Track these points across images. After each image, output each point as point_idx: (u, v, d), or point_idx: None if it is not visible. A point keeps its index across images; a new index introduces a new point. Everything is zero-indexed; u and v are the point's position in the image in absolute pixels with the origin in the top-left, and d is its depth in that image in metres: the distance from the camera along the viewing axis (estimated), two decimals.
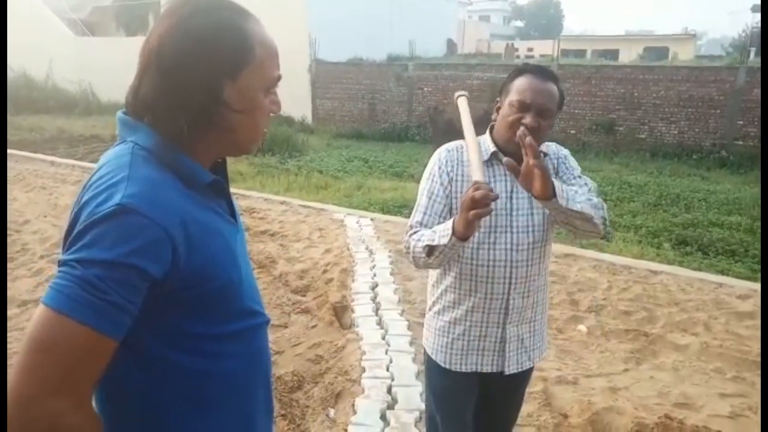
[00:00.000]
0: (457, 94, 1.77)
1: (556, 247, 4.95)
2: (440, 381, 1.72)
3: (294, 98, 16.02)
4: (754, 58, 17.38)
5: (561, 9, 56.58)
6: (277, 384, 2.65)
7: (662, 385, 2.80)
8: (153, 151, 0.87)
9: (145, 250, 0.78)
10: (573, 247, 5.17)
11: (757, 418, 2.53)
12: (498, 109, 1.63)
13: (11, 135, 11.77)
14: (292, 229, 5.22)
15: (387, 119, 14.98)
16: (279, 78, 0.96)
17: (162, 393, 0.90)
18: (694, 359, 3.06)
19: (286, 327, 3.33)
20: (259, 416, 1.04)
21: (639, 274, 4.30)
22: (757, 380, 2.86)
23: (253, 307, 1.00)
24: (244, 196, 6.53)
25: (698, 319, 3.53)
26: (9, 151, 8.68)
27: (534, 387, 2.73)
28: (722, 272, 5.22)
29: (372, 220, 5.62)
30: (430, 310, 1.74)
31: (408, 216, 5.44)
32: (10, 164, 7.89)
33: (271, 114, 0.97)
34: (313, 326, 3.35)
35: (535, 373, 2.82)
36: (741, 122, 11.07)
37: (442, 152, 1.64)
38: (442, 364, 1.67)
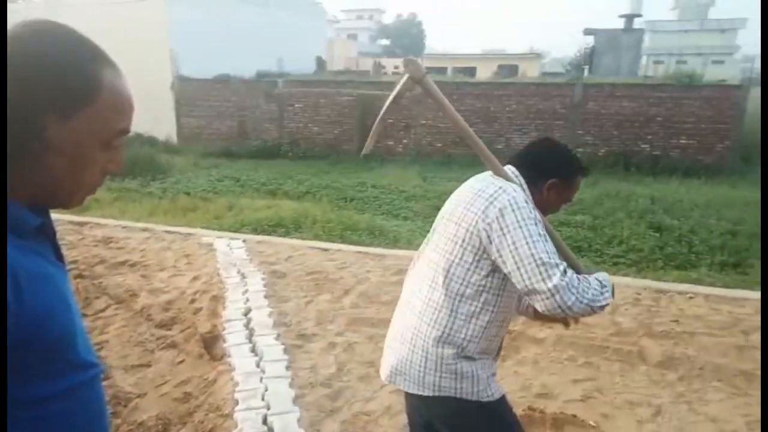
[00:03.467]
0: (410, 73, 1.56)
1: None
2: (508, 410, 1.65)
3: (157, 117, 15.13)
4: (588, 75, 19.64)
5: (423, 29, 59.70)
6: (139, 431, 2.44)
7: (524, 379, 3.01)
8: None
9: None
10: None
11: (603, 398, 2.81)
12: (557, 187, 1.60)
13: None
14: (156, 258, 4.89)
15: (258, 137, 14.69)
16: (123, 132, 0.85)
17: None
18: (551, 350, 3.34)
19: (149, 366, 3.09)
20: None
21: None
22: (604, 364, 3.18)
23: (86, 357, 0.90)
24: (99, 225, 5.99)
25: None
26: None
27: None
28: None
29: (244, 241, 5.44)
30: (462, 351, 1.52)
31: (282, 235, 5.33)
32: None
33: (107, 175, 0.87)
34: (181, 362, 3.14)
35: None
36: (580, 132, 12.42)
37: (520, 193, 1.52)
38: (498, 394, 1.58)
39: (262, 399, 2.68)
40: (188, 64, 15.39)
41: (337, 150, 14.03)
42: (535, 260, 1.39)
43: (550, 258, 1.40)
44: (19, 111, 0.75)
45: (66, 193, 0.84)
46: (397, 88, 1.58)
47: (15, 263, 0.75)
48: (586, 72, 23.44)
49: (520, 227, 1.41)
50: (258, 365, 3.01)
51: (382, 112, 1.57)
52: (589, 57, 26.35)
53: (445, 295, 1.51)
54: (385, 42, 57.79)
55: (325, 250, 5.27)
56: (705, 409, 2.71)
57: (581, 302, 1.40)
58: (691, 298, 4.12)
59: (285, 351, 3.19)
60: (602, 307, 1.45)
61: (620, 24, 28.12)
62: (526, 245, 1.39)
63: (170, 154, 13.60)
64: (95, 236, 5.54)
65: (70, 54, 0.79)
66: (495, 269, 1.49)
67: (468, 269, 1.49)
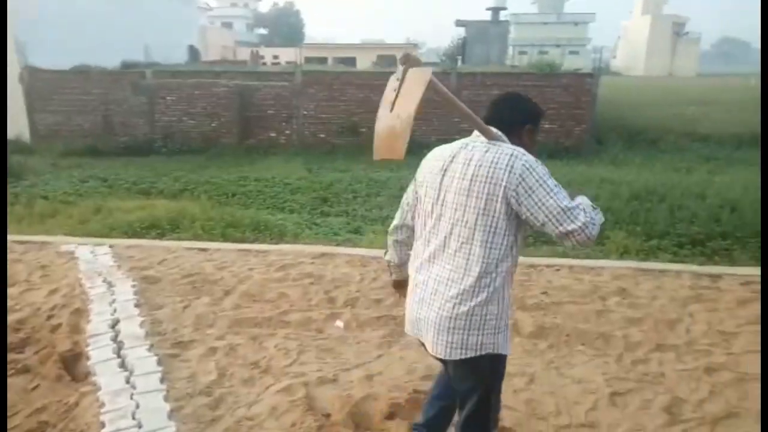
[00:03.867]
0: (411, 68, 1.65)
1: (312, 248, 5.08)
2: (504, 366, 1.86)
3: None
4: (461, 65, 20.52)
5: (301, 18, 58.81)
6: None
7: (410, 362, 3.05)
8: None
9: None
10: (329, 246, 5.36)
11: None
12: (531, 131, 1.86)
13: None
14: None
15: (126, 132, 13.62)
16: None
17: None
18: None
19: None
20: None
21: (386, 264, 4.64)
22: None
23: None
24: None
25: None
26: None
27: (296, 394, 2.72)
28: None
29: (111, 247, 4.99)
30: (501, 309, 1.72)
31: (157, 237, 4.98)
32: None
33: None
34: (35, 387, 2.80)
35: (295, 380, 2.83)
36: (457, 119, 12.88)
37: (527, 154, 1.69)
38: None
39: (133, 418, 2.46)
40: (39, 55, 13.82)
41: (215, 143, 13.41)
42: (562, 209, 1.61)
43: (570, 202, 1.63)
44: None
45: None
46: (404, 84, 1.68)
47: None
48: (459, 62, 24.50)
49: (541, 185, 1.63)
50: (128, 381, 2.76)
51: (409, 113, 1.63)
52: (462, 48, 27.57)
53: (486, 259, 1.68)
54: (263, 31, 56.18)
55: (204, 250, 4.99)
56: (571, 372, 2.93)
57: (596, 227, 1.64)
58: (557, 270, 4.45)
59: (159, 362, 2.96)
60: (603, 224, 1.70)
61: (488, 16, 29.73)
62: (551, 199, 1.61)
63: (23, 155, 12.18)
64: None
65: None
66: (521, 224, 1.71)
67: (506, 232, 1.69)
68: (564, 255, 5.34)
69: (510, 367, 2.94)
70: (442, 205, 1.77)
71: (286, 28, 54.08)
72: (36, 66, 13.78)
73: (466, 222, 1.69)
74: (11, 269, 4.40)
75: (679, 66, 57.20)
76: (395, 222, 2.11)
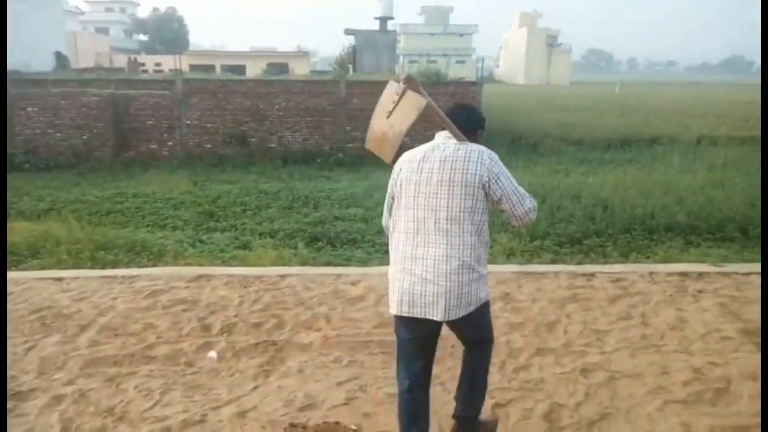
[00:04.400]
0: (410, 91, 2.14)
1: (186, 271, 4.68)
2: None
3: None
4: (352, 73, 20.58)
5: (185, 24, 56.28)
6: None
7: (288, 392, 2.83)
8: None
9: None
10: (207, 267, 4.98)
11: (366, 396, 2.79)
12: (480, 134, 2.33)
13: None
14: None
15: None
16: None
17: None
18: (317, 355, 3.23)
19: None
20: None
21: (269, 282, 4.39)
22: (368, 359, 3.18)
23: None
24: None
25: (320, 313, 3.77)
26: None
27: None
28: (347, 259, 5.85)
29: None
30: (485, 267, 2.16)
31: (15, 264, 4.35)
32: None
33: None
34: None
35: (155, 425, 2.51)
36: (349, 127, 12.88)
37: (489, 150, 2.14)
38: None
39: None
40: None
41: (87, 157, 12.28)
42: (518, 193, 2.10)
43: (522, 189, 2.13)
44: None
45: None
46: (402, 101, 2.13)
47: None
48: (351, 70, 24.60)
49: (503, 174, 2.08)
50: None
51: (401, 130, 2.09)
52: (353, 56, 27.74)
53: (474, 234, 2.07)
54: (143, 37, 53.05)
55: (59, 279, 4.42)
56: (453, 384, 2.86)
57: (535, 212, 2.16)
58: None
59: None
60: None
61: (376, 26, 30.19)
62: (510, 185, 2.09)
63: None
64: None
65: None
66: (488, 205, 2.11)
67: (482, 211, 2.09)
68: None
69: (394, 387, 2.82)
70: (425, 196, 2.09)
71: (169, 34, 51.39)
72: None
73: (453, 207, 2.05)
74: None
75: (554, 75, 61.92)
76: (386, 221, 2.38)
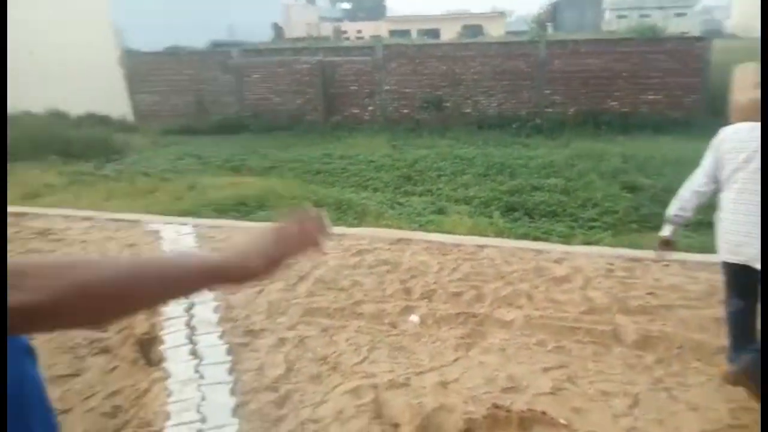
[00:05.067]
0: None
1: (387, 233, 4.87)
2: None
3: (108, 95, 14.31)
4: (552, 32, 19.26)
5: None
6: None
7: (491, 370, 2.77)
8: None
9: None
10: (406, 230, 5.13)
11: (575, 389, 2.59)
12: None
13: None
14: (97, 249, 4.49)
15: (218, 110, 14.03)
16: None
17: None
18: (519, 335, 3.10)
19: (78, 375, 2.76)
20: None
21: (467, 251, 4.35)
22: (576, 348, 2.96)
23: None
24: (38, 215, 5.53)
25: (522, 290, 3.62)
26: None
27: (364, 398, 2.53)
28: (546, 233, 5.55)
29: (194, 227, 5.06)
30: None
31: (244, 215, 4.98)
32: None
33: None
34: (113, 369, 2.82)
35: (364, 381, 2.64)
36: (548, 91, 12.11)
37: None
38: None
39: (198, 411, 2.39)
40: (136, 37, 14.51)
41: (301, 121, 13.50)
42: None
43: None
44: None
45: None
46: None
47: None
48: (550, 29, 23.05)
49: None
50: (197, 370, 2.70)
51: None
52: (552, 13, 25.91)
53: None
54: (346, 5, 56.20)
55: None
56: (686, 395, 2.51)
57: None
58: (666, 266, 3.92)
59: (229, 351, 2.89)
60: None
61: None
62: None
63: (127, 133, 12.93)
64: (33, 228, 5.10)
65: None
66: None
67: None
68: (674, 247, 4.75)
69: (608, 384, 2.58)
70: (741, 171, 2.33)
71: (369, 2, 53.69)
72: (133, 49, 14.49)
73: (753, 180, 2.27)
74: (104, 246, 4.57)
75: None
76: (699, 180, 2.53)
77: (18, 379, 0.82)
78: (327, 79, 13.53)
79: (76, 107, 14.21)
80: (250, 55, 14.22)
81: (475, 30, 28.29)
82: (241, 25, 19.53)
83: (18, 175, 7.81)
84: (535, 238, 5.05)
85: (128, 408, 2.53)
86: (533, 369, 2.75)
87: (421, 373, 2.76)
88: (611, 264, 3.97)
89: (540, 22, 28.05)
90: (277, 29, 23.53)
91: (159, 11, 15.28)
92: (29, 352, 0.86)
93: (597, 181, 7.25)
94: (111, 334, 3.20)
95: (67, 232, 5.03)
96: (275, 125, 13.38)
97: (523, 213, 6.24)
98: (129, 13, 14.35)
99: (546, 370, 2.74)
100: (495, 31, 27.19)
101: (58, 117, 13.56)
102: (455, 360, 2.87)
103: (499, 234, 5.25)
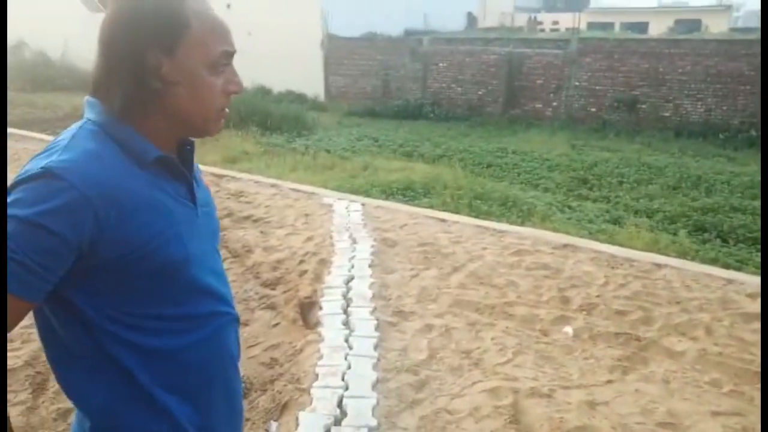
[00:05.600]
0: None
1: (553, 236, 4.63)
2: None
3: (306, 75, 15.70)
4: None
5: None
6: None
7: (648, 400, 2.50)
8: (103, 126, 0.90)
9: (58, 213, 0.80)
10: (573, 236, 4.84)
11: None
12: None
13: (26, 114, 11.82)
14: (278, 215, 5.00)
15: (401, 96, 14.58)
16: (227, 54, 0.95)
17: (102, 363, 0.92)
18: (689, 369, 2.75)
19: (247, 325, 3.12)
20: (216, 410, 1.03)
21: (641, 268, 3.96)
22: (756, 394, 2.55)
23: (208, 294, 1.00)
24: (234, 178, 6.32)
25: (700, 321, 3.20)
26: (10, 130, 8.64)
27: (502, 400, 2.47)
28: (741, 261, 4.87)
29: (363, 205, 5.36)
30: None
31: (410, 199, 5.22)
32: (10, 143, 7.83)
33: (232, 94, 0.97)
34: (276, 324, 3.14)
35: (505, 384, 2.58)
36: None
37: None
38: None
39: (342, 378, 2.55)
40: (338, 22, 15.61)
41: (479, 112, 13.43)
42: None
43: None
44: (131, 55, 0.88)
45: (199, 120, 0.95)
46: None
47: (123, 186, 0.87)
48: None
49: None
50: (347, 340, 2.88)
51: None
52: None
53: None
54: None
55: (443, 220, 4.98)
56: None
57: None
58: None
59: (377, 328, 3.02)
60: None
61: None
62: None
63: (317, 112, 14.11)
64: (229, 189, 5.85)
65: None
66: None
67: None
68: None
69: None
70: None
71: None
72: (333, 33, 15.63)
73: None
74: (283, 213, 5.07)
75: None
76: None
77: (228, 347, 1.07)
78: (512, 71, 13.21)
79: (279, 84, 15.83)
80: (439, 43, 14.46)
81: (690, 25, 25.21)
82: (436, 14, 19.88)
83: (223, 141, 8.98)
84: (726, 266, 4.43)
85: (283, 362, 2.80)
86: (700, 410, 2.43)
87: (567, 387, 2.60)
88: None
89: None
90: (471, 18, 23.50)
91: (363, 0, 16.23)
92: (237, 322, 1.11)
93: None
94: (278, 293, 3.56)
95: (256, 196, 5.67)
96: (453, 114, 13.49)
97: (716, 235, 5.51)
98: (338, 0, 15.48)
99: (716, 413, 2.40)
100: (716, 27, 23.91)
101: (262, 92, 15.25)
102: (608, 381, 2.65)
103: (683, 255, 4.70)
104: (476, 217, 5.54)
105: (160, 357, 0.95)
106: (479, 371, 2.72)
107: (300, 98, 15.65)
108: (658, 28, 25.06)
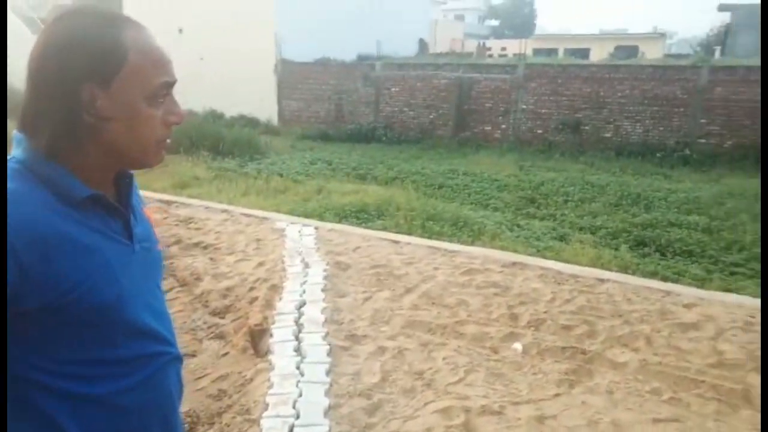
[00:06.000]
0: None
1: (502, 255, 4.75)
2: None
3: (260, 99, 15.67)
4: (719, 57, 17.51)
5: (535, 8, 56.93)
6: None
7: (594, 412, 2.58)
8: (27, 164, 0.86)
9: None
10: (522, 254, 4.97)
11: None
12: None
13: None
14: (228, 241, 4.93)
15: (354, 120, 14.74)
16: (167, 85, 0.91)
17: (24, 413, 0.87)
18: (631, 379, 2.85)
19: (194, 356, 3.05)
20: None
21: (585, 283, 4.10)
22: (696, 402, 2.66)
23: (146, 334, 0.96)
24: (184, 204, 6.21)
25: (641, 332, 3.33)
26: None
27: (454, 419, 2.49)
28: (678, 273, 5.11)
29: (316, 229, 5.35)
30: None
31: (363, 222, 5.23)
32: None
33: (172, 125, 0.94)
34: (225, 354, 3.07)
35: (457, 403, 2.60)
36: (704, 120, 11.07)
37: None
38: None
39: (293, 407, 2.51)
40: (291, 48, 15.71)
41: (431, 135, 13.71)
42: None
43: None
44: (61, 87, 0.83)
45: (137, 153, 0.91)
46: None
47: (48, 227, 0.82)
48: (717, 54, 20.96)
49: None
50: (298, 367, 2.85)
51: None
52: (723, 37, 23.52)
53: None
54: (494, 23, 55.87)
55: (396, 242, 5.02)
56: None
57: None
58: None
59: (329, 353, 3.00)
60: None
61: None
62: None
63: (270, 136, 14.05)
64: (179, 216, 5.73)
65: (91, 27, 0.85)
66: None
67: None
68: None
69: None
70: None
71: (518, 19, 52.88)
72: (287, 59, 15.70)
73: None
74: (234, 239, 5.00)
75: None
76: None
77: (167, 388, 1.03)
78: (462, 96, 13.58)
79: (231, 109, 15.73)
80: (391, 68, 14.74)
81: (629, 51, 26.64)
82: (388, 40, 20.29)
83: (172, 166, 8.82)
84: (665, 278, 4.64)
85: (232, 393, 2.74)
86: (642, 418, 2.52)
87: (517, 403, 2.65)
88: (752, 316, 3.51)
89: (706, 46, 25.65)
90: (422, 45, 24.08)
91: (316, 25, 16.42)
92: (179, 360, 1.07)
93: (748, 223, 6.46)
94: (228, 321, 3.50)
95: (206, 222, 5.57)
96: (405, 137, 13.72)
97: (655, 249, 5.77)
98: (290, 24, 15.59)
99: (657, 421, 2.49)
100: (652, 54, 25.37)
101: (214, 117, 15.10)
102: (556, 395, 2.72)
103: (624, 269, 4.90)
104: (429, 237, 5.62)
105: (93, 404, 0.90)
106: (431, 391, 2.73)
107: (252, 122, 15.57)
108: (599, 54, 26.35)
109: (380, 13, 20.15)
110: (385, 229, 5.98)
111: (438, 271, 4.29)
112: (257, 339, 3.18)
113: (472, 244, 5.54)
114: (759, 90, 10.50)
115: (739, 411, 2.59)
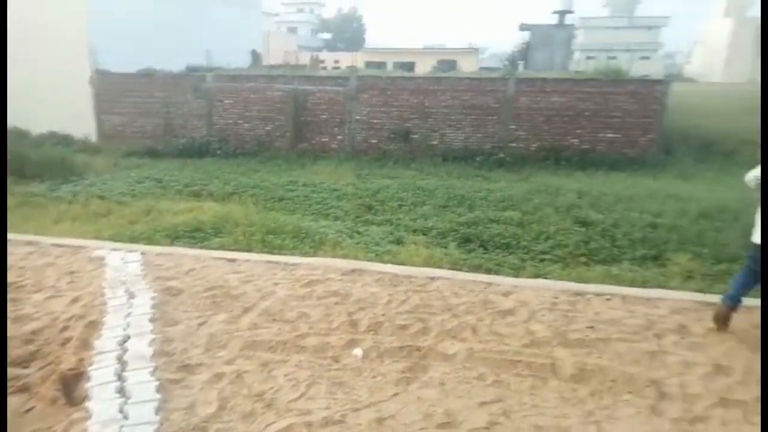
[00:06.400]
0: None
1: (341, 263, 4.82)
2: None
3: (74, 115, 14.11)
4: (522, 71, 19.82)
5: (363, 23, 59.31)
6: None
7: (428, 405, 2.73)
8: None
9: None
10: (361, 261, 5.09)
11: (509, 423, 2.57)
12: None
13: None
14: (35, 277, 4.33)
15: (185, 134, 13.94)
16: None
17: None
18: (461, 368, 3.08)
19: None
20: None
21: (418, 283, 4.33)
22: (514, 381, 2.95)
23: None
24: None
25: (467, 323, 3.61)
26: None
27: None
28: (498, 264, 5.61)
29: (143, 254, 4.94)
30: None
31: (199, 241, 4.91)
32: None
33: None
34: (29, 409, 2.68)
35: (299, 419, 2.56)
36: (513, 126, 12.41)
37: None
38: None
39: None
40: (111, 58, 14.39)
41: (268, 147, 13.50)
42: None
43: None
44: None
45: None
46: None
47: None
48: (521, 67, 23.77)
49: None
50: (121, 410, 2.59)
51: None
52: (525, 52, 26.75)
53: None
54: (326, 36, 57.04)
55: (232, 260, 4.84)
56: (614, 428, 2.51)
57: None
58: (608, 299, 3.98)
59: (159, 389, 2.78)
60: None
61: (554, 20, 28.70)
62: None
63: (89, 154, 12.71)
64: None
65: None
66: None
67: None
68: (618, 277, 4.84)
69: (541, 418, 2.57)
70: None
71: (349, 33, 54.67)
72: (105, 69, 14.35)
73: None
74: (42, 274, 4.41)
75: (759, 71, 53.01)
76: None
77: None
78: (298, 107, 13.59)
79: (39, 126, 13.93)
80: (223, 80, 14.22)
81: (449, 65, 28.93)
82: (219, 51, 19.58)
83: None
84: (488, 270, 5.09)
85: None
86: (470, 404, 2.72)
87: (357, 409, 2.70)
88: (556, 297, 4.01)
89: (512, 61, 28.89)
90: (255, 56, 23.63)
91: (137, 33, 15.24)
92: None
93: (552, 215, 7.39)
94: (33, 370, 3.05)
95: (7, 257, 4.84)
96: (242, 151, 13.33)
97: (479, 245, 6.30)
98: (107, 32, 14.27)
99: (483, 404, 2.71)
100: (468, 67, 27.88)
101: (17, 136, 13.26)
102: (394, 395, 2.82)
103: (454, 265, 5.27)
104: (269, 252, 5.51)
105: None
106: (272, 412, 2.67)
107: (66, 140, 13.95)
108: (423, 68, 28.21)
109: (209, 23, 19.40)
110: (222, 247, 5.73)
111: (278, 286, 4.22)
112: (71, 385, 2.83)
113: (314, 254, 5.55)
114: (552, 99, 12.11)
115: (548, 383, 2.93)
